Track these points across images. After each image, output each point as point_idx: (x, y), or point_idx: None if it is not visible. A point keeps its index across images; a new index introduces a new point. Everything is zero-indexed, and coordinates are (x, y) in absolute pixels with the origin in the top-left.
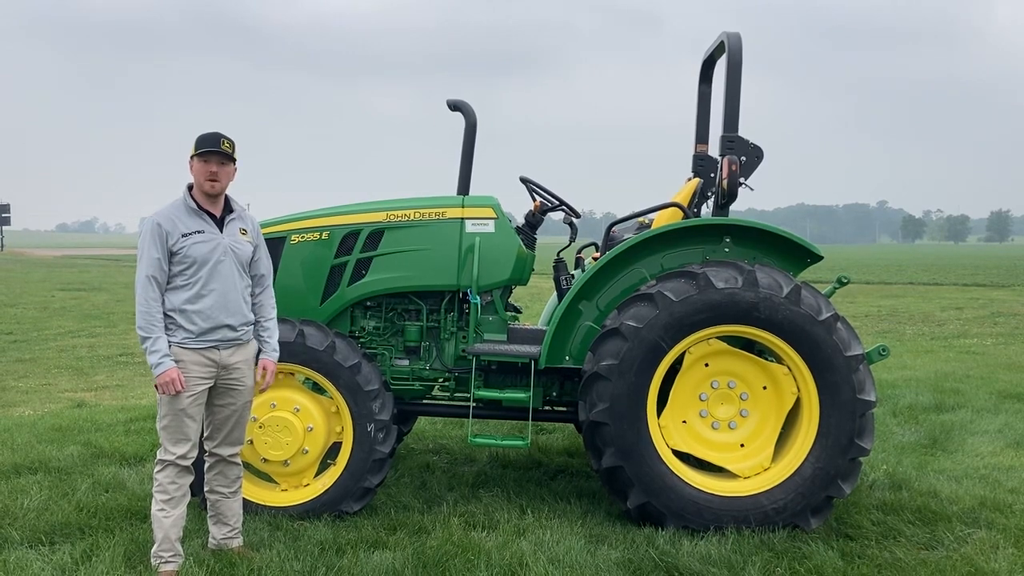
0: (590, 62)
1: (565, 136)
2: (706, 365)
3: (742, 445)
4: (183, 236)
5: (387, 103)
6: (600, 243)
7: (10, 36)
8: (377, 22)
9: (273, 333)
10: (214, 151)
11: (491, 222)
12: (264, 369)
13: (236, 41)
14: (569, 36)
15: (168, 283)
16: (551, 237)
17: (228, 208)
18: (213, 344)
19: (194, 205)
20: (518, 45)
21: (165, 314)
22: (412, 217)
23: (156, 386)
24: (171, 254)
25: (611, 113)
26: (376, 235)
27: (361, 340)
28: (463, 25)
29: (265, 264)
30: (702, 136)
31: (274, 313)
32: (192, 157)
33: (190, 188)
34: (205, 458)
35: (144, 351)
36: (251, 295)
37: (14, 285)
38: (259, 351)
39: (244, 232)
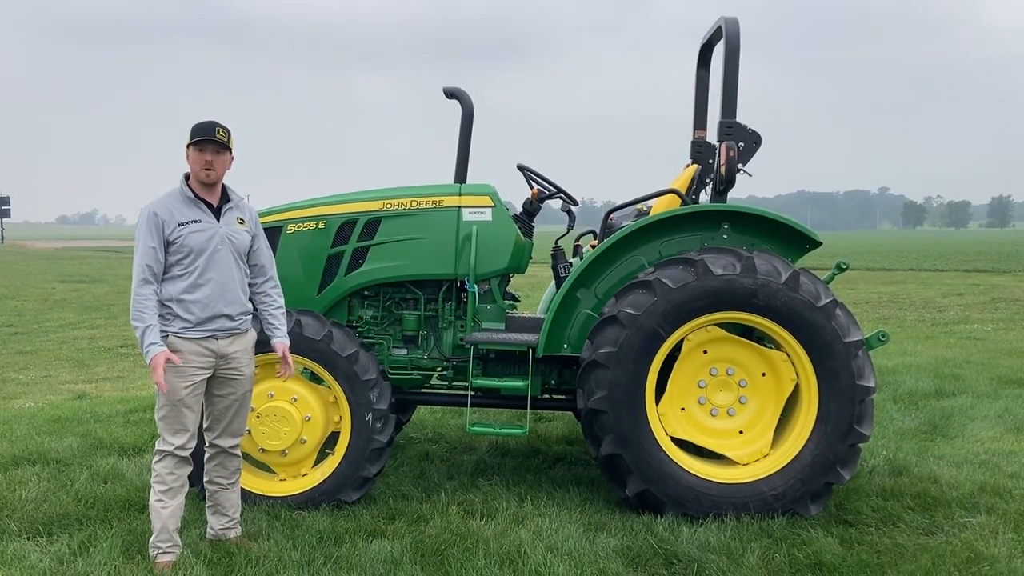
0: (583, 50)
1: (562, 125)
2: (704, 352)
3: (741, 432)
4: (180, 225)
5: (381, 92)
6: (598, 231)
7: (10, 31)
8: (367, 12)
9: (282, 321)
10: (209, 140)
11: (488, 210)
12: (282, 354)
13: (232, 33)
14: (560, 23)
15: (165, 273)
16: (549, 225)
17: (225, 197)
18: (211, 334)
19: (191, 194)
20: (507, 33)
21: (162, 304)
22: (409, 206)
23: (152, 371)
24: (168, 243)
25: (606, 100)
26: (373, 224)
27: (359, 329)
28: (452, 14)
29: (265, 254)
30: (700, 122)
31: (282, 302)
32: (188, 146)
33: (187, 177)
34: (205, 449)
35: (137, 340)
36: (252, 285)
37: (14, 277)
38: (264, 340)
39: (242, 222)
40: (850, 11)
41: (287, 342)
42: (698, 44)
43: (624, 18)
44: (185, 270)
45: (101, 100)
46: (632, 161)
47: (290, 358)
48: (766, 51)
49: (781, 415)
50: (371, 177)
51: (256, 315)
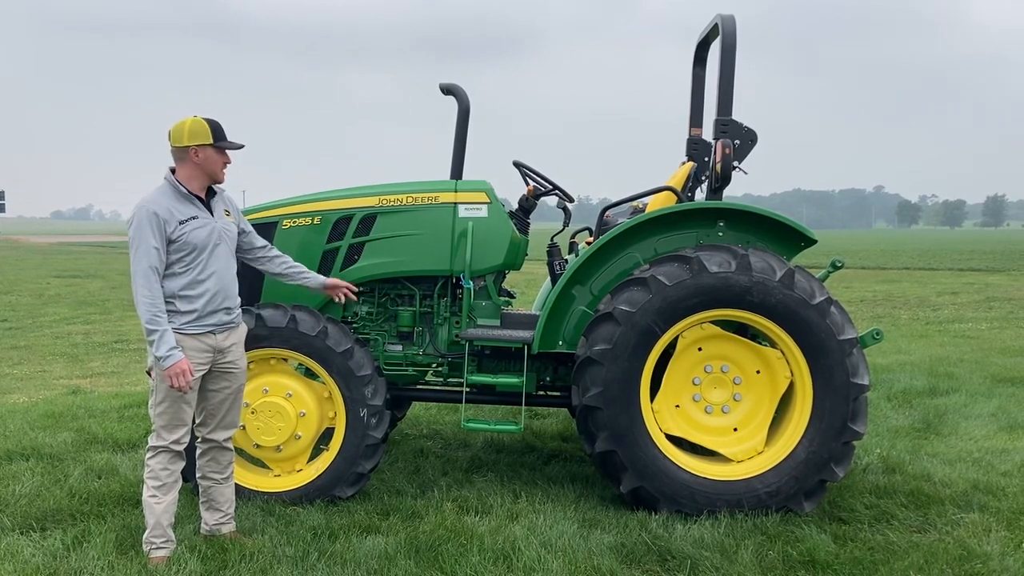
0: (577, 46)
1: (558, 122)
2: (699, 349)
3: (735, 429)
4: (180, 223)
5: (376, 89)
6: (594, 228)
7: (3, 26)
8: (363, 10)
9: (308, 271)
10: (229, 142)
11: (484, 207)
12: (335, 287)
13: (228, 30)
14: (552, 20)
15: (165, 270)
16: (545, 222)
17: (211, 191)
18: (210, 328)
19: (184, 190)
20: (499, 30)
21: (164, 301)
22: (405, 202)
23: (168, 376)
24: (169, 242)
25: (602, 97)
26: (369, 220)
27: (354, 325)
28: (446, 12)
29: (258, 235)
30: (696, 119)
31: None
32: (202, 146)
33: (173, 172)
34: (197, 444)
35: (151, 344)
36: (263, 258)
37: (9, 272)
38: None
39: (227, 213)
40: (846, 9)
41: (324, 278)
42: (692, 41)
43: (613, 14)
44: (187, 267)
45: (96, 95)
46: (628, 158)
47: (344, 285)
48: (762, 49)
49: (775, 412)
50: (367, 174)
51: (245, 309)
